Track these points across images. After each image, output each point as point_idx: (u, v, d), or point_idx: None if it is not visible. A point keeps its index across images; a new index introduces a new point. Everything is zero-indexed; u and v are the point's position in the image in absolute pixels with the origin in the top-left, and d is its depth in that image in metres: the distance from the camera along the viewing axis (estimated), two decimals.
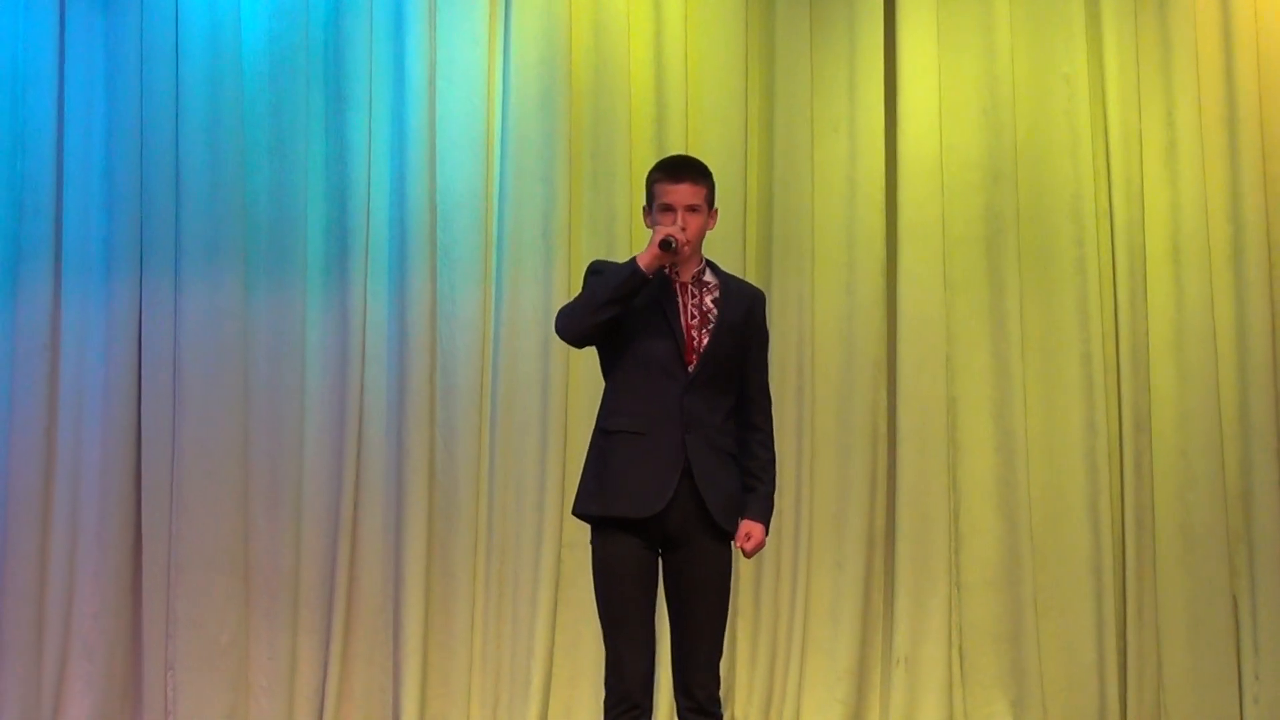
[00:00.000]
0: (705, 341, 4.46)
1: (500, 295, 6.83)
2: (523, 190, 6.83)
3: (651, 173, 4.57)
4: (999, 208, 6.92)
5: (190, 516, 6.64)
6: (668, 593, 4.50)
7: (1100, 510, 6.79)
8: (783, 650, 6.77)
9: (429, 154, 6.79)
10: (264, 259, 6.78)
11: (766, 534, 4.52)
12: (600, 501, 4.42)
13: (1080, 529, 6.81)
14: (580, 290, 4.53)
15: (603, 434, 4.47)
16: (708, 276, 4.56)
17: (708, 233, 4.55)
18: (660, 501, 4.37)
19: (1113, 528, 6.81)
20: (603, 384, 4.58)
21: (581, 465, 4.56)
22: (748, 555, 4.52)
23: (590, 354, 4.67)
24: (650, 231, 4.51)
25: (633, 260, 4.39)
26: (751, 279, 6.66)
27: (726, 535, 4.47)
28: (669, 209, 4.46)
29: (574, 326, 4.44)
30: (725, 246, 6.46)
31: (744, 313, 4.55)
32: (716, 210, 4.58)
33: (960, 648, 6.82)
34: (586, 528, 4.53)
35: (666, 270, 4.46)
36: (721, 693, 4.56)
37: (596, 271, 4.52)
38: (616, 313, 4.38)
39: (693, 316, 4.48)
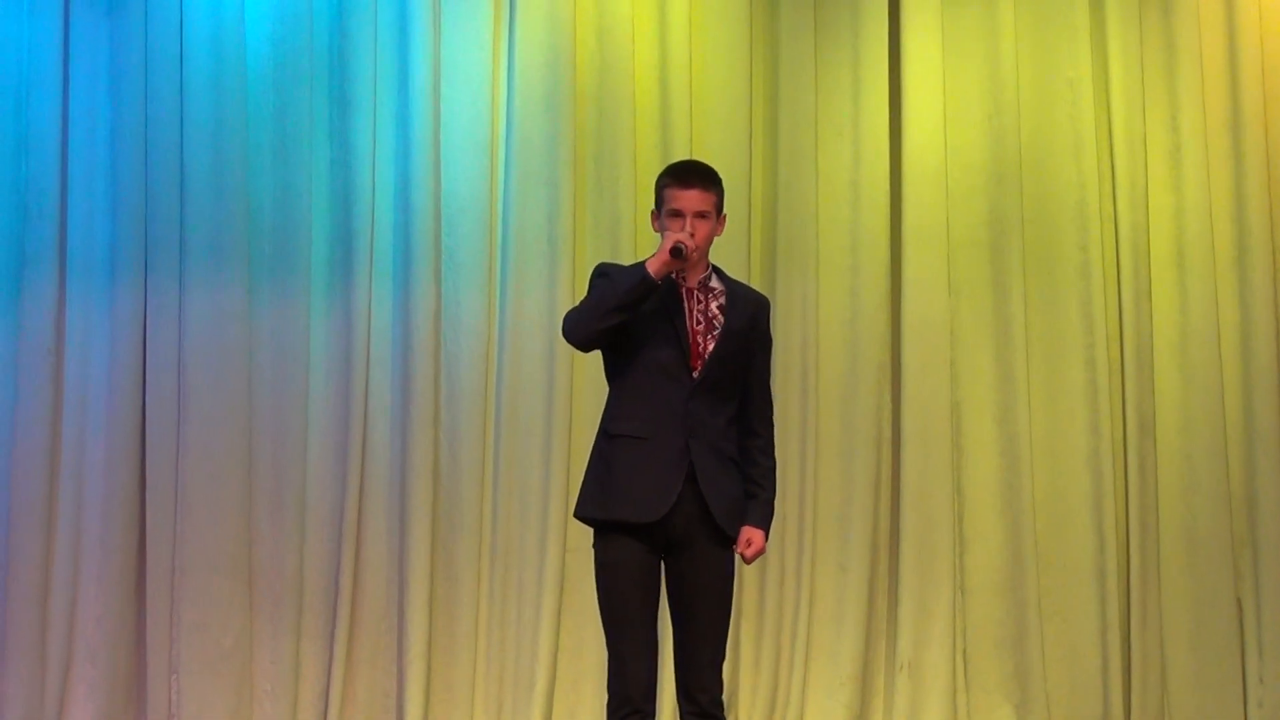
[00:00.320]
0: (710, 347, 4.46)
1: (504, 299, 6.83)
2: (527, 194, 6.83)
3: (661, 177, 4.57)
4: (1003, 212, 6.92)
5: (194, 520, 6.64)
6: (670, 596, 4.50)
7: (1104, 514, 6.79)
8: (786, 654, 6.77)
9: (433, 158, 6.79)
10: (268, 263, 6.78)
11: (766, 540, 4.53)
12: (604, 505, 4.43)
13: (1084, 533, 6.81)
14: (586, 294, 4.52)
15: (606, 438, 4.48)
16: (714, 282, 4.56)
17: (715, 238, 4.56)
18: (664, 506, 4.38)
19: (1117, 531, 6.80)
20: (606, 387, 4.58)
21: (584, 469, 4.56)
22: (747, 561, 4.53)
23: (594, 358, 4.67)
24: (657, 235, 4.52)
25: (642, 267, 4.38)
26: (756, 283, 6.68)
27: (729, 539, 4.47)
28: (678, 214, 4.46)
29: (581, 331, 4.44)
30: (729, 250, 6.46)
31: (749, 319, 4.55)
32: (725, 216, 4.58)
33: (964, 652, 6.82)
34: (590, 531, 4.53)
35: (673, 275, 4.46)
36: (724, 696, 4.56)
37: (603, 274, 4.51)
38: (625, 319, 4.38)
39: (698, 322, 4.48)
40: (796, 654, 6.75)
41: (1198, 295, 6.87)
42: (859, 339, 6.89)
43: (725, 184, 4.60)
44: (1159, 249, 6.91)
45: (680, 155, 6.53)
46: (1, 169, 6.71)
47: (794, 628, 6.76)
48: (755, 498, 4.53)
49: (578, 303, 4.60)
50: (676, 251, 4.35)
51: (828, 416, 6.87)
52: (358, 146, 6.83)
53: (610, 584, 4.41)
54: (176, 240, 6.72)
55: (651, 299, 4.40)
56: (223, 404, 6.69)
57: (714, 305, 4.51)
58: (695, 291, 4.51)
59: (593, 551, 4.48)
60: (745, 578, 6.68)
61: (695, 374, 4.44)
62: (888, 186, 6.93)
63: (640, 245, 6.65)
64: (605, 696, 4.46)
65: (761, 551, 4.51)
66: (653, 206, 4.59)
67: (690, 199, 4.47)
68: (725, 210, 4.59)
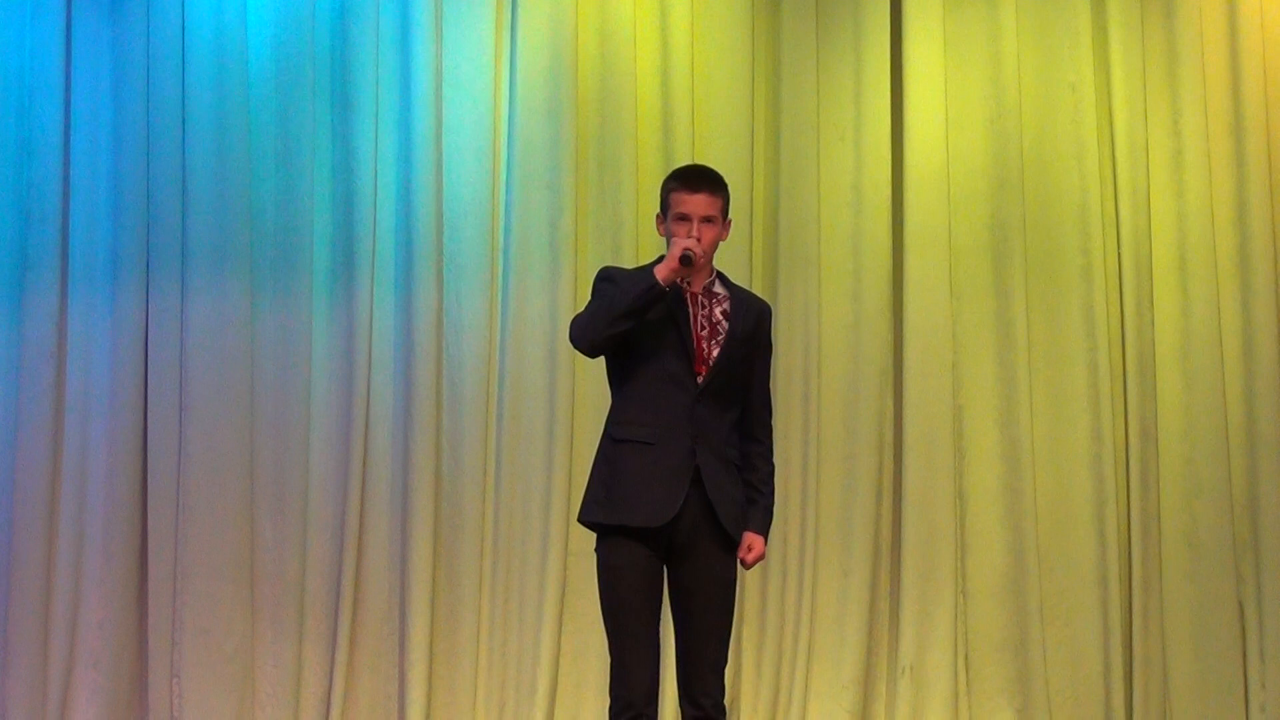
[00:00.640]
0: (715, 353, 4.47)
1: (506, 303, 6.83)
2: (529, 198, 6.83)
3: (668, 181, 4.57)
4: (1005, 216, 6.92)
5: (196, 524, 6.64)
6: (673, 600, 4.51)
7: (1106, 518, 6.79)
8: (788, 658, 6.76)
9: (435, 162, 6.79)
10: (270, 267, 6.78)
11: (766, 545, 4.54)
12: (609, 510, 4.43)
13: (1086, 537, 6.81)
14: (590, 298, 4.53)
15: (612, 442, 4.48)
16: (718, 288, 4.57)
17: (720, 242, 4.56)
18: (671, 511, 4.38)
19: (1119, 536, 6.80)
20: (608, 391, 4.58)
21: (587, 473, 4.56)
22: (747, 567, 4.54)
23: (597, 363, 4.67)
24: (662, 238, 4.52)
25: (650, 273, 4.38)
26: (758, 287, 6.68)
27: (732, 543, 4.48)
28: (684, 219, 4.46)
29: (589, 336, 4.44)
30: (731, 255, 6.45)
31: (752, 325, 4.56)
32: (730, 221, 4.59)
33: (966, 656, 6.82)
34: (592, 536, 4.53)
35: (679, 281, 4.46)
36: (726, 701, 4.56)
37: (607, 279, 4.51)
38: (633, 325, 4.38)
39: (703, 328, 4.49)
40: (798, 658, 6.74)
41: (1200, 300, 6.86)
42: (861, 343, 6.89)
43: (727, 188, 4.60)
44: (1161, 253, 6.91)
45: (682, 160, 6.54)
46: (3, 173, 6.70)
47: (796, 632, 6.76)
48: (755, 503, 4.55)
49: (581, 308, 4.59)
50: (686, 259, 4.35)
51: (829, 421, 6.87)
52: (359, 151, 6.83)
53: (614, 587, 4.42)
54: (178, 244, 6.72)
55: (658, 305, 4.40)
56: (225, 408, 6.68)
57: (718, 311, 4.52)
58: (700, 297, 4.52)
59: (595, 555, 4.48)
60: (747, 582, 6.68)
61: (700, 379, 4.44)
62: (889, 191, 6.93)
63: (642, 249, 6.66)
64: (607, 700, 4.47)
65: (762, 557, 4.53)
66: (658, 210, 4.60)
67: (697, 203, 4.47)
68: (730, 216, 4.60)
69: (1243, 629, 6.80)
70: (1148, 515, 6.81)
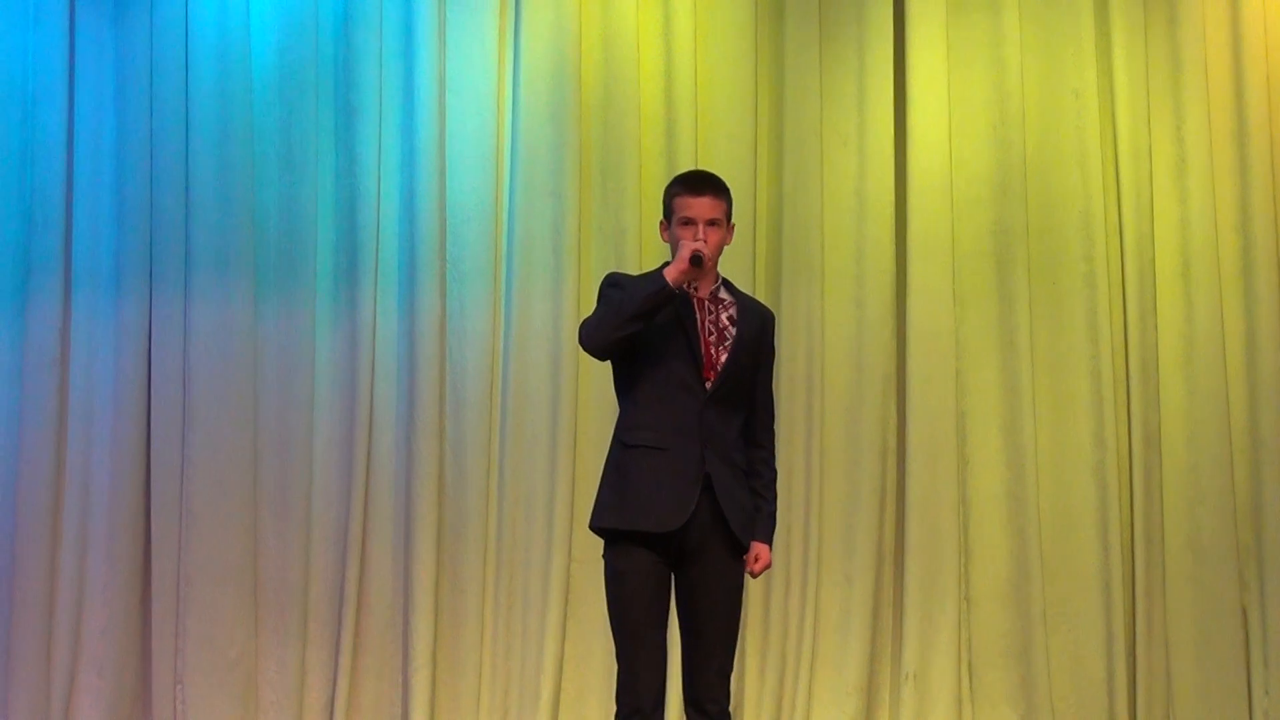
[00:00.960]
0: (723, 358, 4.48)
1: (510, 309, 6.83)
2: (532, 204, 6.83)
3: (670, 186, 4.59)
4: (1008, 223, 6.92)
5: (199, 530, 6.63)
6: (680, 607, 4.51)
7: (1109, 525, 6.79)
8: (792, 665, 6.76)
9: (439, 168, 6.79)
10: (273, 273, 6.78)
11: (771, 551, 4.56)
12: (620, 516, 4.43)
13: (1089, 543, 6.81)
14: (597, 304, 4.54)
15: (622, 448, 4.49)
16: (723, 294, 4.59)
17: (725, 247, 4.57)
18: (682, 516, 4.39)
19: (1122, 542, 6.81)
20: (614, 397, 4.59)
21: (591, 479, 4.58)
22: (754, 576, 4.54)
23: (599, 367, 4.68)
24: (665, 245, 4.53)
25: (659, 275, 4.39)
26: (761, 294, 6.69)
27: (741, 549, 4.49)
28: (689, 222, 4.47)
29: (599, 339, 4.45)
30: (735, 261, 6.46)
31: (758, 331, 4.59)
32: (733, 225, 4.61)
33: (969, 663, 6.82)
34: (596, 542, 4.53)
35: (686, 286, 4.47)
36: (730, 707, 4.56)
37: (614, 284, 4.53)
38: (642, 327, 4.39)
39: (710, 333, 4.50)
40: (802, 665, 6.74)
41: (1203, 306, 6.87)
42: (864, 350, 6.89)
43: (730, 194, 4.62)
44: (1164, 260, 6.92)
45: (685, 166, 6.55)
46: (7, 178, 6.70)
47: (799, 638, 6.76)
48: (759, 510, 4.56)
49: (585, 314, 4.60)
50: (696, 260, 4.36)
51: (833, 427, 6.87)
52: (363, 157, 6.83)
53: (622, 593, 4.42)
54: (181, 250, 6.72)
55: (666, 309, 4.40)
56: (228, 414, 6.68)
57: (725, 316, 4.53)
58: (707, 303, 4.53)
59: (603, 561, 4.48)
60: (751, 588, 6.67)
61: (709, 385, 4.45)
62: (893, 197, 6.94)
63: (645, 256, 6.66)
64: (611, 707, 4.48)
65: (769, 566, 4.55)
66: (661, 217, 4.61)
67: (702, 206, 4.48)
68: (733, 221, 4.61)
69: (1246, 635, 6.80)
70: (1151, 521, 6.82)
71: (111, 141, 6.74)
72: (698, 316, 4.50)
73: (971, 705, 6.78)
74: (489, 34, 6.89)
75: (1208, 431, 6.83)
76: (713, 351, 4.48)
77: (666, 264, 4.45)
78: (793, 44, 6.98)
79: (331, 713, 6.63)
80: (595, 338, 4.45)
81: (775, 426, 4.70)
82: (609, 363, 4.58)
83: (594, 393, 6.69)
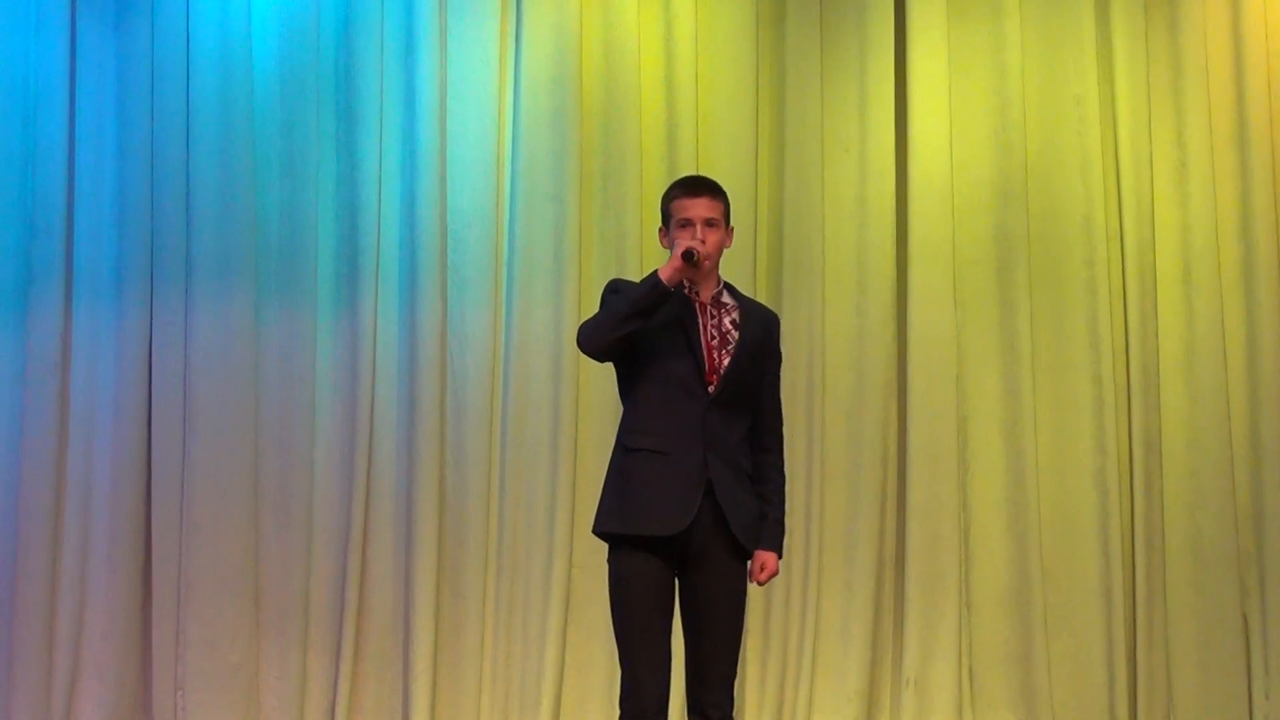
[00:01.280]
0: (726, 363, 4.48)
1: (511, 315, 6.83)
2: (533, 210, 6.84)
3: (667, 192, 4.60)
4: (1009, 228, 6.93)
5: (200, 536, 6.63)
6: (684, 612, 4.51)
7: (1110, 530, 6.79)
8: (792, 670, 6.76)
9: (440, 174, 6.79)
10: (274, 278, 6.78)
11: (779, 560, 4.55)
12: (623, 520, 4.43)
13: (1090, 549, 6.81)
14: (598, 310, 4.53)
15: (625, 452, 4.48)
16: (726, 298, 4.59)
17: (724, 251, 4.57)
18: (684, 520, 4.39)
19: (1123, 548, 6.81)
20: (615, 403, 4.59)
21: (592, 484, 4.58)
22: (760, 584, 4.54)
23: (600, 373, 4.68)
24: (666, 251, 4.53)
25: (654, 274, 4.40)
26: (762, 298, 6.68)
27: (744, 554, 4.49)
28: (687, 223, 4.48)
29: (597, 340, 4.45)
30: (736, 266, 6.47)
31: (761, 334, 4.58)
32: (733, 229, 4.62)
33: (970, 668, 6.82)
34: (597, 548, 4.53)
35: (686, 290, 4.48)
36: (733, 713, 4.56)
37: (616, 290, 4.53)
38: (639, 326, 4.40)
39: (713, 337, 4.50)
40: (803, 671, 6.74)
41: (1204, 311, 6.87)
42: (865, 355, 6.89)
43: (731, 200, 4.64)
44: (1165, 265, 6.92)
45: (687, 171, 6.55)
46: (8, 185, 6.70)
47: (800, 644, 6.76)
48: (766, 516, 4.55)
49: (585, 319, 4.60)
50: (688, 256, 4.37)
51: (834, 432, 6.87)
52: (364, 162, 6.83)
53: (625, 598, 4.42)
54: (183, 256, 6.72)
55: (665, 309, 4.41)
56: (229, 420, 6.68)
57: (727, 320, 4.53)
58: (709, 307, 4.53)
59: (606, 566, 4.48)
60: (751, 594, 6.58)
61: (711, 389, 4.45)
62: (894, 202, 6.94)
63: (646, 261, 6.65)
64: (611, 713, 4.47)
65: (774, 574, 4.54)
66: (660, 225, 4.62)
67: (699, 206, 4.50)
68: (732, 224, 4.62)
69: (1247, 641, 6.80)
70: (1152, 527, 6.82)
71: (113, 147, 6.74)
72: (700, 320, 4.50)
73: (972, 711, 6.78)
74: (490, 39, 6.89)
75: (1208, 436, 6.83)
76: (715, 355, 4.48)
77: None
78: (794, 49, 6.99)
79: (332, 718, 6.63)
80: (593, 339, 4.46)
81: (784, 431, 4.70)
82: (611, 367, 4.59)
83: (595, 397, 6.69)
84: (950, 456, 6.84)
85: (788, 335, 6.71)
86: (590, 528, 4.57)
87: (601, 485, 4.56)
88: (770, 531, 4.54)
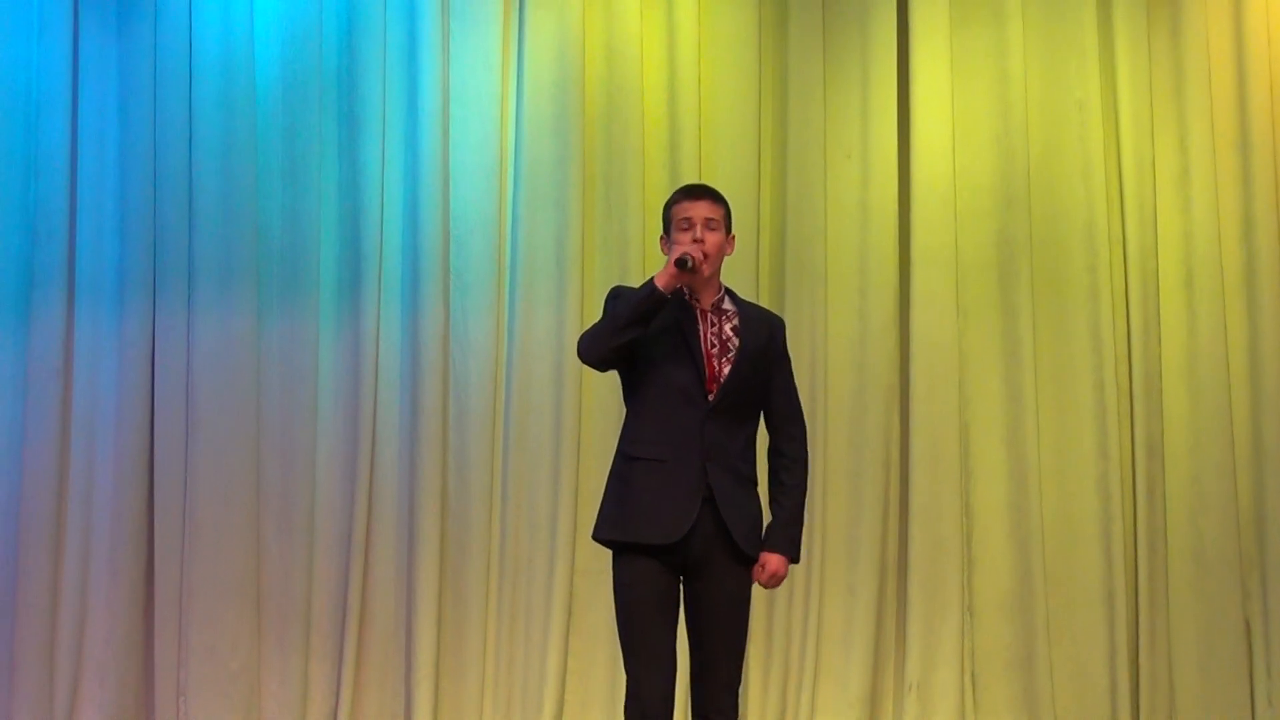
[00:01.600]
0: (726, 370, 4.47)
1: (513, 320, 6.83)
2: (536, 215, 6.84)
3: (669, 199, 4.60)
4: (1012, 233, 6.93)
5: (202, 541, 6.63)
6: (688, 618, 4.51)
7: (1112, 535, 6.79)
8: (795, 676, 6.76)
9: (442, 179, 6.79)
10: (277, 284, 6.78)
11: (791, 562, 4.52)
12: (622, 528, 4.43)
13: (1092, 554, 6.81)
14: (600, 317, 4.53)
15: (625, 459, 4.49)
16: (727, 304, 4.58)
17: (725, 258, 4.57)
18: (683, 527, 4.39)
19: (1125, 553, 6.81)
20: (617, 409, 4.60)
21: (593, 490, 4.57)
22: (764, 586, 4.52)
23: (602, 379, 4.68)
24: (667, 257, 4.53)
25: (650, 281, 4.40)
26: (764, 303, 6.67)
27: (748, 560, 4.48)
28: (688, 225, 4.47)
29: (595, 349, 4.46)
30: (739, 271, 6.47)
31: (764, 340, 4.57)
32: (734, 236, 4.61)
33: (972, 673, 6.82)
34: (599, 553, 4.53)
35: (687, 296, 4.48)
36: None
37: (617, 296, 4.53)
38: (637, 334, 4.40)
39: (713, 345, 4.49)
40: (805, 676, 6.74)
41: (1206, 317, 6.87)
42: (867, 360, 6.89)
43: (734, 205, 4.66)
44: (1167, 271, 6.92)
45: (689, 177, 6.57)
46: (10, 190, 6.71)
47: (802, 649, 6.76)
48: (774, 518, 4.54)
49: (591, 324, 4.61)
50: (682, 263, 4.37)
51: (835, 437, 6.87)
52: (367, 168, 6.84)
53: (629, 604, 4.42)
54: (185, 261, 6.72)
55: (664, 315, 4.41)
56: (231, 425, 6.68)
57: (728, 327, 4.53)
58: (709, 314, 4.53)
59: (610, 572, 4.48)
60: (754, 600, 6.64)
61: (711, 397, 4.45)
62: (896, 208, 6.94)
63: (649, 266, 6.65)
64: (616, 717, 4.47)
65: (776, 576, 4.50)
66: (661, 233, 4.62)
67: (700, 207, 4.51)
68: (734, 231, 4.62)
69: (1249, 646, 6.80)
70: (1154, 532, 6.82)
71: (115, 153, 6.75)
72: (700, 327, 4.50)
73: (975, 716, 6.78)
74: (492, 45, 6.90)
75: (1211, 441, 6.83)
76: (715, 363, 4.48)
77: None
78: (796, 55, 6.99)
79: None
80: (592, 349, 4.46)
81: (802, 432, 4.65)
82: (615, 373, 4.58)
83: (597, 403, 6.69)
84: (952, 461, 6.84)
85: (790, 340, 6.64)
86: (591, 533, 4.57)
87: (603, 490, 4.56)
88: (775, 533, 4.51)
